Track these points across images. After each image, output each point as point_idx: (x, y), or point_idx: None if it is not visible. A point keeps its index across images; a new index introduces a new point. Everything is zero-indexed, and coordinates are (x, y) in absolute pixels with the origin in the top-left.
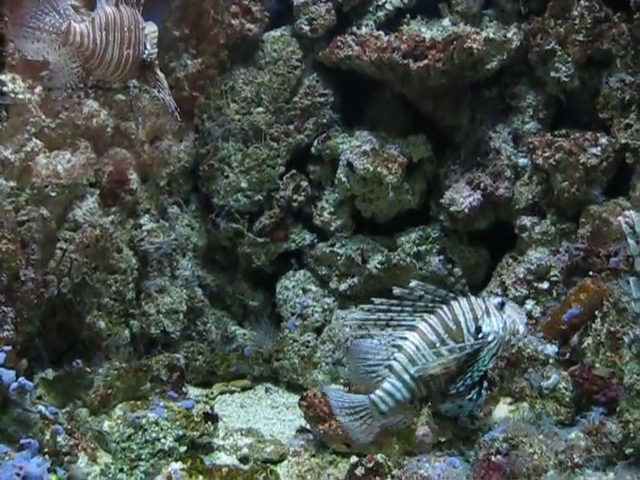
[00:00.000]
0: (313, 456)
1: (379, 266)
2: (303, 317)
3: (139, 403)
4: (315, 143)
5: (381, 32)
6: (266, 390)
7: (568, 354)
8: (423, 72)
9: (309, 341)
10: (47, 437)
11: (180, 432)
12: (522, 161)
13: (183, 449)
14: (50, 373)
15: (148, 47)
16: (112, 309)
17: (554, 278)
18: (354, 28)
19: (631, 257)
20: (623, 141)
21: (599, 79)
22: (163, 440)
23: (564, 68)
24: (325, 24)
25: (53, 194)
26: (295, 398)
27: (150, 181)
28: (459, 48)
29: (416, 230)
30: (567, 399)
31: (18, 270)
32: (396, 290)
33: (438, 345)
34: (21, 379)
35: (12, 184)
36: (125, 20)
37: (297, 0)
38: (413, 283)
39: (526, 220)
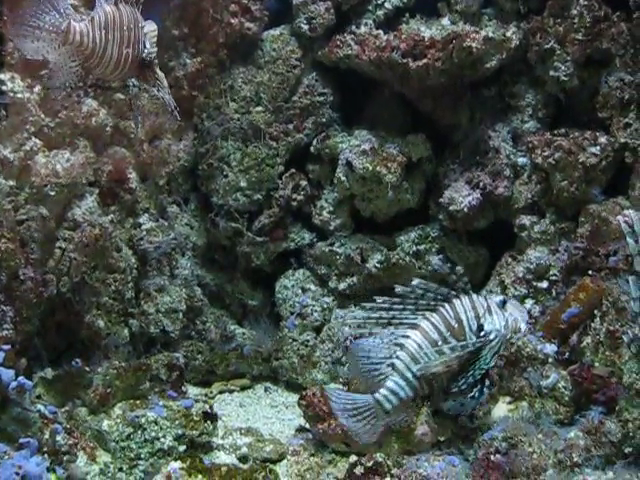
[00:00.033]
0: (312, 455)
1: (378, 265)
2: (302, 316)
3: (138, 402)
4: (314, 142)
5: (380, 31)
6: (265, 389)
7: (567, 353)
8: (422, 71)
9: (308, 340)
10: (46, 436)
11: (179, 431)
12: (521, 160)
13: (182, 448)
14: (49, 372)
15: (147, 46)
16: (111, 308)
17: (553, 277)
18: (353, 27)
19: (630, 256)
20: (622, 140)
21: (598, 78)
22: (162, 439)
23: (563, 67)
24: (324, 23)
25: (52, 193)
26: (294, 397)
27: (149, 180)
28: (458, 47)
29: (415, 229)
30: (566, 398)
31: (17, 269)
32: (398, 288)
33: (440, 343)
34: (20, 378)
35: (11, 183)
36: (124, 19)
37: None
38: (415, 281)
39: (525, 219)
